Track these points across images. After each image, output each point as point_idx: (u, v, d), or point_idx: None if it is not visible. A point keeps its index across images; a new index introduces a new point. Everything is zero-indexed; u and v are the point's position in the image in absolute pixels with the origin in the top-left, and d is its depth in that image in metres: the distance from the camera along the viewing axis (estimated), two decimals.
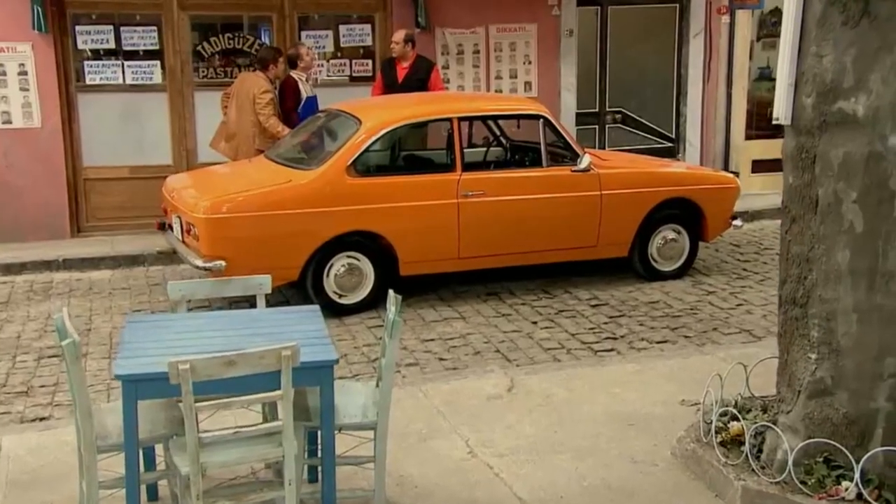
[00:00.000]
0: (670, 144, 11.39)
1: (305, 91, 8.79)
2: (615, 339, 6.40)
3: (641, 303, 7.27)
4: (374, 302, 7.03)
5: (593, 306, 7.18)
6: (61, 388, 5.59)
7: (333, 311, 6.92)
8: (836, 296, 3.62)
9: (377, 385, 3.69)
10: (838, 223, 3.59)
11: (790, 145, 3.77)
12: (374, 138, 6.91)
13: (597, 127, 11.12)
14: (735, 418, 4.13)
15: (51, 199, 9.28)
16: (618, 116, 11.16)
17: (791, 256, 3.81)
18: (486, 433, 4.51)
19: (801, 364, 3.77)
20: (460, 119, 7.24)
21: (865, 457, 3.55)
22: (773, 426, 3.83)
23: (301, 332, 3.53)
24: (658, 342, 6.33)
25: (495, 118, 7.99)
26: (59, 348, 6.34)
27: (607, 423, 4.63)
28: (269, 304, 7.32)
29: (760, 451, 3.93)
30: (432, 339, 6.42)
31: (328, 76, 10.02)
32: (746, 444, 3.88)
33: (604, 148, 11.07)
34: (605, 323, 6.76)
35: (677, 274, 7.90)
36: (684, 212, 7.82)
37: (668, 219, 7.79)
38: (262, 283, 3.99)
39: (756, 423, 4.04)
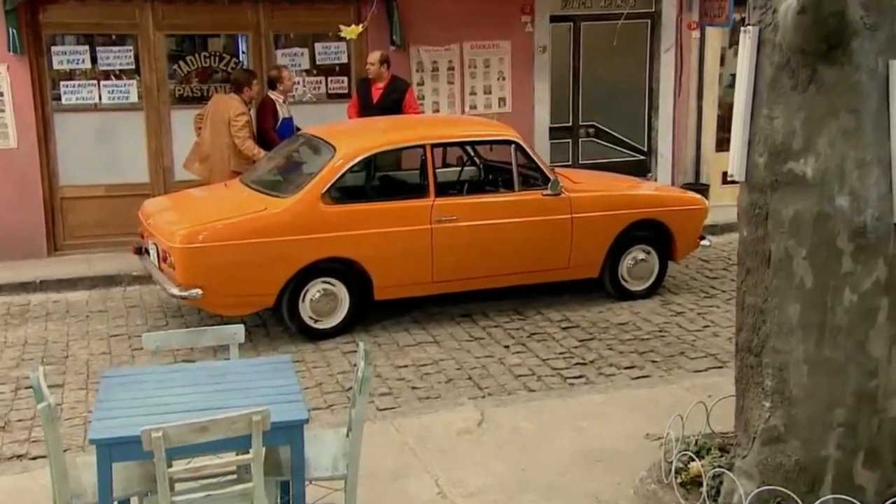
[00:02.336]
0: (642, 157, 11.54)
1: (282, 112, 8.88)
2: (584, 364, 6.54)
3: (611, 324, 7.41)
4: (350, 326, 7.15)
5: (564, 328, 7.31)
6: (39, 423, 5.63)
7: (309, 335, 7.04)
8: (789, 347, 3.76)
9: (348, 434, 3.79)
10: (789, 278, 3.72)
11: (744, 200, 3.90)
12: (348, 166, 7.01)
13: (570, 141, 11.25)
14: (694, 458, 4.28)
15: (27, 219, 9.31)
16: (591, 130, 11.29)
17: (746, 306, 3.95)
18: (455, 471, 4.63)
19: (756, 411, 3.91)
20: (433, 146, 7.34)
21: (816, 503, 3.69)
22: (727, 472, 3.97)
23: (272, 387, 3.64)
24: (626, 367, 6.47)
25: (468, 144, 8.10)
26: None
27: (574, 460, 4.76)
28: (246, 326, 7.46)
29: (719, 492, 4.07)
30: (406, 366, 6.53)
31: (304, 88, 10.08)
32: (704, 486, 4.02)
33: (577, 161, 11.23)
34: (576, 347, 6.89)
35: (647, 293, 8.06)
36: (654, 233, 7.96)
37: (637, 240, 7.93)
38: (236, 333, 4.08)
39: (714, 464, 4.19)
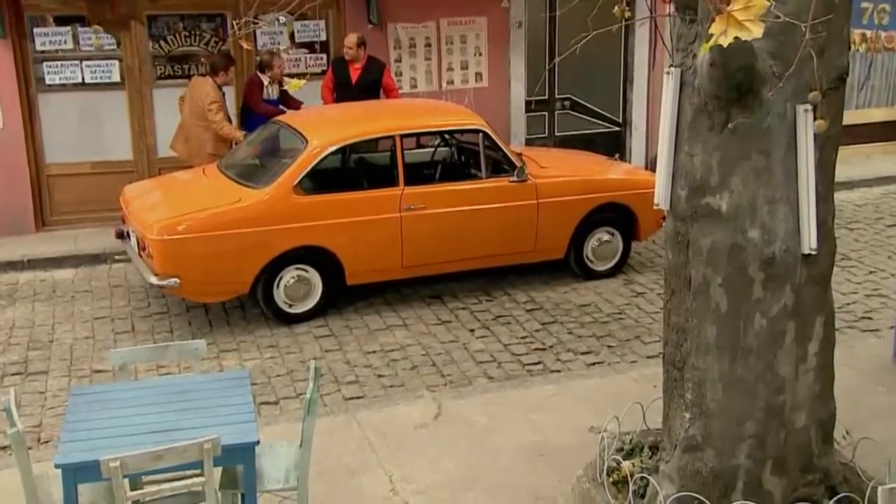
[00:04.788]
0: (617, 129, 11.73)
1: (267, 93, 9.09)
2: (543, 349, 6.83)
3: (574, 306, 7.69)
4: (323, 310, 7.43)
5: (528, 311, 7.59)
6: (23, 412, 5.93)
7: (284, 319, 7.32)
8: (706, 365, 4.04)
9: (301, 445, 4.08)
10: (707, 302, 3.98)
11: (669, 227, 4.15)
12: (318, 158, 7.22)
13: (546, 114, 11.42)
14: (626, 457, 4.59)
15: (15, 196, 9.53)
16: (567, 103, 11.46)
17: (671, 324, 4.22)
18: (408, 468, 4.94)
19: (678, 421, 4.20)
20: (403, 136, 7.55)
21: None
22: (649, 477, 4.28)
23: (228, 405, 3.91)
24: (583, 353, 6.76)
25: (437, 133, 8.29)
26: (22, 364, 6.71)
27: (520, 455, 5.07)
28: (225, 308, 7.70)
29: (645, 492, 4.38)
30: (374, 352, 6.82)
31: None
32: (629, 488, 4.33)
33: (553, 133, 11.43)
34: (537, 330, 7.18)
35: (612, 272, 8.35)
36: (617, 215, 8.20)
37: (602, 222, 8.19)
38: (198, 348, 4.35)
39: (644, 465, 4.50)
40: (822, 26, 3.59)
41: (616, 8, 3.71)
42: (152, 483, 3.73)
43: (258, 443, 3.66)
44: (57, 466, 3.50)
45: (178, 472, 3.75)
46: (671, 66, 4.00)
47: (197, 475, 3.54)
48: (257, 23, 3.93)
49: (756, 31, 2.48)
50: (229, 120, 8.85)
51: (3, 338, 7.24)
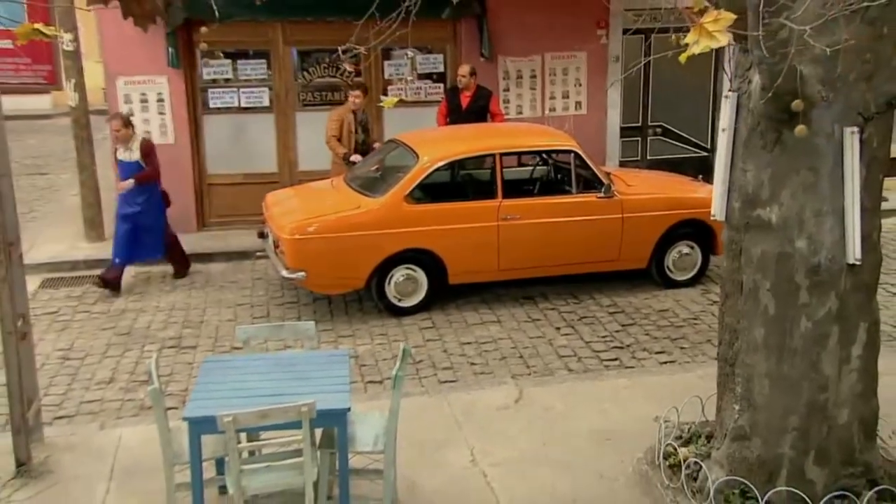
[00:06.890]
0: (705, 154, 11.43)
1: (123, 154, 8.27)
2: (621, 348, 6.74)
3: (653, 311, 7.55)
4: (428, 305, 7.55)
5: (611, 313, 7.51)
6: (174, 379, 6.30)
7: (393, 312, 7.48)
8: (754, 363, 3.93)
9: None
10: (756, 305, 3.89)
11: (726, 236, 4.07)
12: (428, 172, 7.36)
13: (639, 139, 11.25)
14: (685, 444, 4.50)
15: (182, 200, 10.00)
16: (658, 130, 11.26)
17: (725, 324, 4.13)
18: (488, 443, 4.98)
19: (728, 412, 4.11)
20: (502, 154, 7.61)
21: (771, 491, 3.88)
22: (700, 462, 4.19)
23: (328, 377, 4.06)
24: (657, 352, 6.64)
25: (533, 153, 8.31)
26: (177, 339, 7.07)
27: (588, 438, 5.03)
28: (345, 300, 7.90)
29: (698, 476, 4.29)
30: (469, 343, 6.88)
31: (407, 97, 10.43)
32: (682, 472, 4.25)
33: (645, 157, 11.24)
34: (617, 331, 7.09)
35: (691, 282, 8.14)
36: (697, 230, 8.01)
37: (682, 236, 8.01)
38: (308, 328, 4.51)
39: (699, 451, 4.40)
40: (871, 54, 3.47)
41: (673, 36, 3.67)
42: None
43: (349, 409, 3.78)
44: (184, 419, 3.71)
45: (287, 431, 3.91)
46: (729, 90, 3.92)
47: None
48: (358, 48, 4.04)
49: (723, 40, 2.46)
50: (340, 139, 9.02)
51: (164, 317, 7.66)
